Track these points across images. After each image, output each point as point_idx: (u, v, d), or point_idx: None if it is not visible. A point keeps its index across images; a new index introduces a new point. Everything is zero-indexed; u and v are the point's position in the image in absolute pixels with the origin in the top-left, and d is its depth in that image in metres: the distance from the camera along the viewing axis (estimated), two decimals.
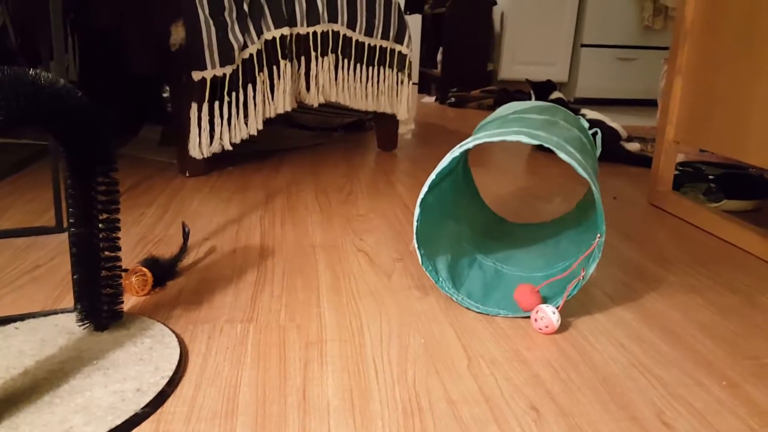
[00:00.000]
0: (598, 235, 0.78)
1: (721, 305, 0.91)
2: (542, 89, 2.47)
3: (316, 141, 2.10)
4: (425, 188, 0.83)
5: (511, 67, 3.76)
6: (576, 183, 1.65)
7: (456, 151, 0.82)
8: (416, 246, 0.84)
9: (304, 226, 1.20)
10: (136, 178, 1.51)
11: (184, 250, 0.98)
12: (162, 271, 0.91)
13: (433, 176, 0.82)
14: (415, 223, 0.83)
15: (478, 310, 0.85)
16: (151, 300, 0.84)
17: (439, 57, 3.81)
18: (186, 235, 1.02)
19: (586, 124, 1.04)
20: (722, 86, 1.22)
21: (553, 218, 1.18)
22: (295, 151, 1.94)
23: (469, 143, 0.81)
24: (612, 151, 1.94)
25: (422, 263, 0.85)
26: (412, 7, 4.11)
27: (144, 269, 0.87)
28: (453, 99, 3.51)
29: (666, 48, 3.66)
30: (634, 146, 2.00)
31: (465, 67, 3.67)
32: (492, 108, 3.30)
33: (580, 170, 0.78)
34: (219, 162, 1.68)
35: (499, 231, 1.12)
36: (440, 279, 0.87)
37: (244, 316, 0.81)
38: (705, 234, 1.25)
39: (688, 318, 0.86)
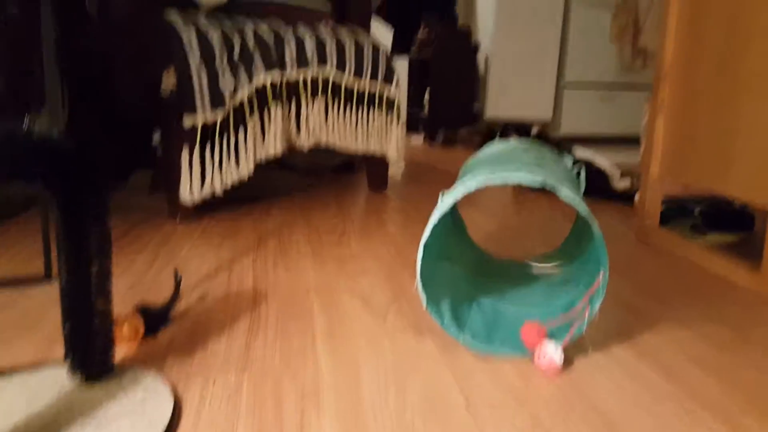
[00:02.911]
0: (602, 272, 0.79)
1: (714, 339, 0.91)
2: (521, 131, 2.55)
3: (306, 183, 2.12)
4: (428, 230, 0.83)
5: (497, 107, 3.83)
6: (561, 218, 1.67)
7: (459, 194, 0.82)
8: (420, 289, 0.84)
9: (297, 269, 1.19)
10: (126, 225, 1.50)
11: (175, 297, 0.97)
12: (153, 319, 0.90)
13: (435, 219, 0.83)
14: (418, 266, 0.83)
15: (484, 351, 0.84)
16: (142, 349, 0.83)
17: (426, 98, 3.87)
18: (178, 282, 1.01)
19: (570, 163, 1.06)
20: (703, 123, 1.25)
21: (541, 254, 1.18)
22: (286, 193, 1.95)
23: (471, 185, 0.82)
24: (601, 189, 1.97)
25: (427, 306, 0.85)
26: (399, 49, 4.19)
27: (135, 318, 0.86)
28: (441, 138, 3.56)
29: (646, 87, 3.74)
30: (623, 183, 2.02)
31: (452, 107, 3.73)
32: (480, 146, 3.34)
33: (581, 209, 0.78)
34: (209, 206, 1.68)
35: (490, 269, 1.13)
36: (445, 321, 0.87)
37: (238, 364, 0.80)
38: (693, 267, 1.26)
39: (683, 353, 0.86)
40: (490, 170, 0.85)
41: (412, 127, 4.30)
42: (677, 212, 1.47)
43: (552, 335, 0.84)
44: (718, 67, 1.21)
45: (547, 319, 0.89)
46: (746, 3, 1.13)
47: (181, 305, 1.00)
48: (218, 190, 1.52)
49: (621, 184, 2.02)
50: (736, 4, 1.16)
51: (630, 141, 3.90)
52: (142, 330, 0.85)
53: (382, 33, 4.37)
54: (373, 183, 2.03)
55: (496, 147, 1.05)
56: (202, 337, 0.88)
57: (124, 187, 1.93)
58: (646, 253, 1.36)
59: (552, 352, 0.78)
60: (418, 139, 3.82)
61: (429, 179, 2.32)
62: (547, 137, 2.46)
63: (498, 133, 2.72)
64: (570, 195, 0.79)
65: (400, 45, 4.19)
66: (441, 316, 0.87)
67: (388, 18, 4.06)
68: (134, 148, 1.98)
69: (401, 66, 4.36)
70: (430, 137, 3.69)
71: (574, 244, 1.07)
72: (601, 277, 0.79)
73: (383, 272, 1.19)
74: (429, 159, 2.95)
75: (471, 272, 1.06)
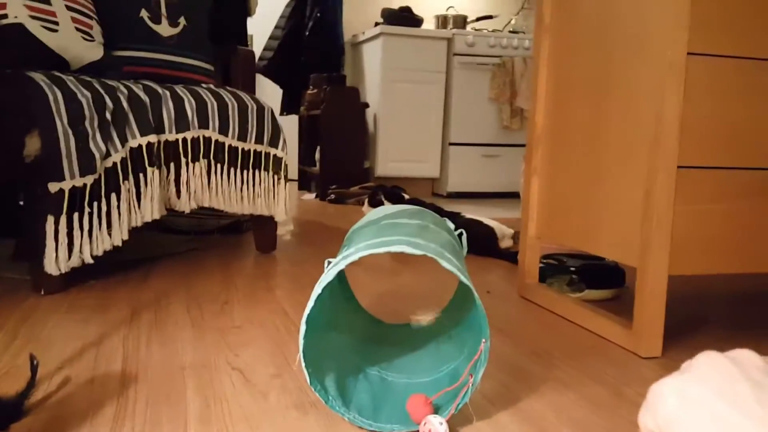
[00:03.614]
0: (483, 341, 0.79)
1: (592, 399, 0.94)
2: (393, 195, 2.68)
3: (190, 246, 2.02)
4: (311, 303, 0.80)
5: (387, 164, 3.92)
6: (446, 276, 1.70)
7: (341, 264, 0.80)
8: (303, 365, 0.80)
9: (173, 344, 1.12)
10: None
11: (31, 385, 0.87)
12: (5, 412, 0.79)
13: (318, 290, 0.80)
14: (301, 341, 0.80)
15: (370, 428, 0.81)
16: None
17: (317, 155, 3.89)
18: (34, 368, 0.91)
19: (452, 226, 1.08)
20: (573, 185, 1.33)
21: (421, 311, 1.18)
22: (167, 258, 1.85)
23: (353, 256, 0.80)
24: (488, 249, 2.04)
25: (310, 383, 0.81)
26: (288, 108, 4.21)
27: None
28: (333, 195, 3.57)
29: (524, 145, 3.98)
30: (507, 242, 2.10)
31: (343, 164, 3.77)
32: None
33: (463, 278, 0.79)
34: (79, 276, 1.55)
35: (378, 334, 1.11)
36: (330, 398, 0.83)
37: None
38: (572, 325, 1.31)
39: (563, 417, 0.88)
40: (375, 238, 0.84)
41: (303, 184, 4.30)
42: (556, 269, 1.54)
43: (438, 406, 0.83)
44: (584, 134, 1.30)
45: (433, 390, 0.88)
46: (604, 82, 1.23)
47: (38, 393, 0.90)
48: (88, 258, 1.42)
49: (505, 242, 2.09)
50: (597, 83, 1.26)
51: (512, 196, 4.11)
52: None
53: (270, 92, 4.39)
54: (261, 244, 1.98)
55: (381, 212, 1.05)
56: (61, 429, 0.79)
57: None
58: (528, 311, 1.41)
59: (436, 425, 0.77)
60: (309, 197, 3.82)
61: (320, 238, 2.30)
62: (422, 201, 2.54)
63: (368, 199, 2.79)
64: (451, 266, 0.79)
65: (289, 103, 4.21)
66: (326, 392, 0.83)
67: (275, 77, 4.08)
68: None
69: (290, 124, 4.38)
70: (321, 194, 3.70)
71: (458, 308, 1.08)
72: (482, 346, 0.79)
73: (268, 343, 1.14)
74: (320, 216, 2.93)
75: (359, 339, 1.04)
